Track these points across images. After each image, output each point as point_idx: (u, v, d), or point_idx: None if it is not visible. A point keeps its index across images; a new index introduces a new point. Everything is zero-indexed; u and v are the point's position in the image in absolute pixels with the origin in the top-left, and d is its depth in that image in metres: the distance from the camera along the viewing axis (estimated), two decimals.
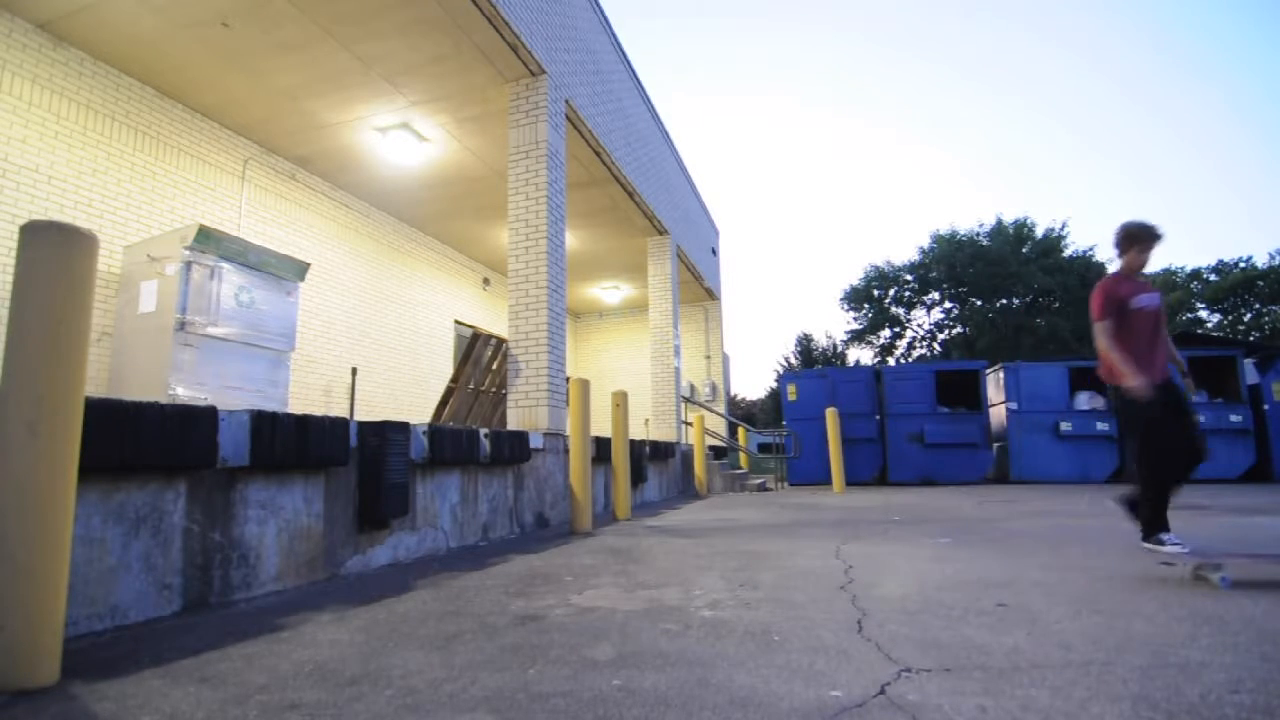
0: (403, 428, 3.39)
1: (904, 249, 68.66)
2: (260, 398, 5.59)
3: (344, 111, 6.52)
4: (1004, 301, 29.56)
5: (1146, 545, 2.95)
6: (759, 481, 10.41)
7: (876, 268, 33.22)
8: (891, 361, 31.94)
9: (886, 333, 33.21)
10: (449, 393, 7.02)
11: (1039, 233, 29.64)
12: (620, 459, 5.53)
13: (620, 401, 5.62)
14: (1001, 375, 10.00)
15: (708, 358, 13.72)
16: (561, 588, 2.71)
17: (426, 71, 5.91)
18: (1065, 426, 9.44)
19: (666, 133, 10.76)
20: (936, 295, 31.68)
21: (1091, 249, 28.89)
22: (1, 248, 4.91)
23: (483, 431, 4.16)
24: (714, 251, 13.99)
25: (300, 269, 6.21)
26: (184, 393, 5.05)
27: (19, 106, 5.08)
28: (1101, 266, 28.58)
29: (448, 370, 9.63)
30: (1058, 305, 28.24)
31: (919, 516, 5.27)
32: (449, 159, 7.53)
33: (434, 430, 3.70)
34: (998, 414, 10.08)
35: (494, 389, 7.24)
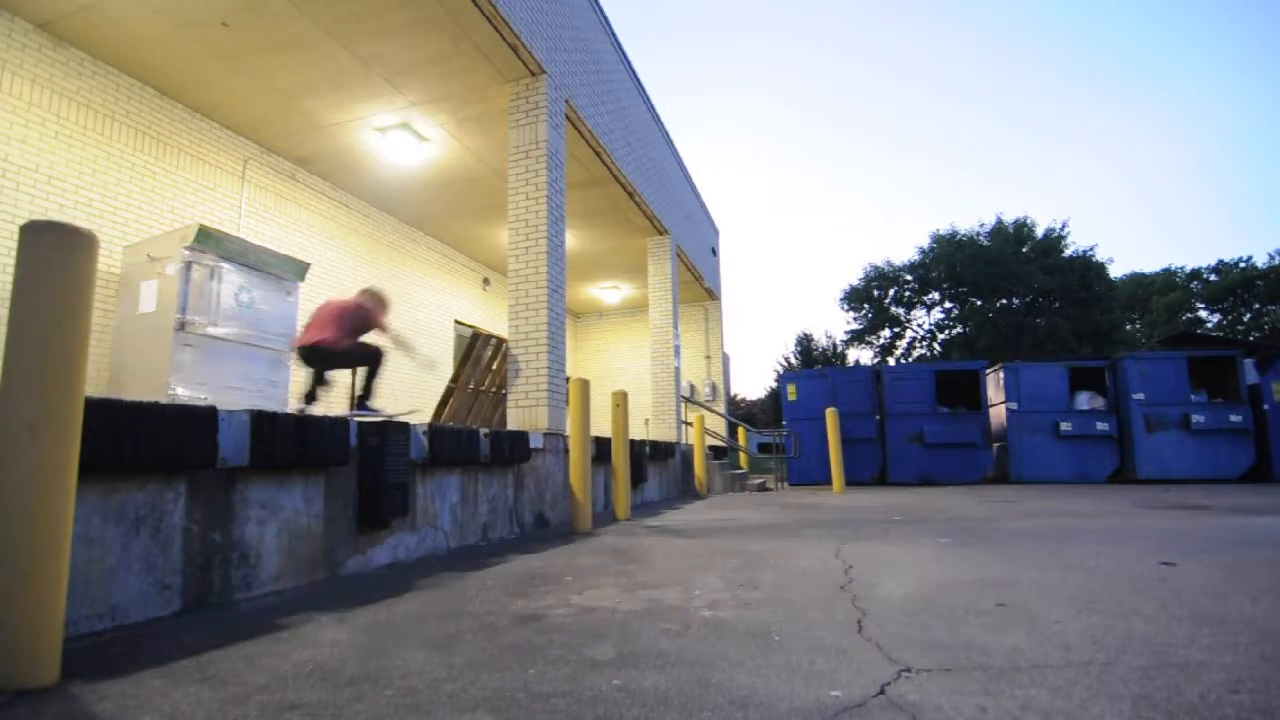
0: (403, 428, 3.39)
1: (904, 249, 68.64)
2: (260, 398, 5.60)
3: (344, 111, 6.52)
4: (1004, 301, 29.53)
5: None
6: (759, 481, 10.41)
7: (876, 268, 33.17)
8: (891, 361, 31.91)
9: (886, 333, 33.16)
10: (449, 393, 7.02)
11: (1039, 233, 29.58)
12: (620, 459, 5.53)
13: (620, 401, 5.62)
14: (1001, 375, 10.00)
15: (708, 358, 13.71)
16: (562, 588, 2.71)
17: (426, 71, 5.91)
18: (1065, 426, 9.44)
19: (666, 133, 10.75)
20: (936, 295, 31.65)
21: (1092, 249, 28.86)
22: (1, 248, 4.91)
23: (483, 431, 4.16)
24: (714, 251, 13.98)
25: (300, 269, 6.21)
26: (184, 393, 5.05)
27: (19, 106, 5.08)
28: (1101, 266, 28.56)
29: (448, 370, 9.62)
30: (1058, 305, 28.19)
31: (919, 516, 5.26)
32: (449, 159, 7.54)
33: (434, 430, 3.70)
34: (998, 414, 10.08)
35: (494, 389, 7.23)
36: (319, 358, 4.99)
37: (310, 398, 5.21)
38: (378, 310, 5.31)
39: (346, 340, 4.99)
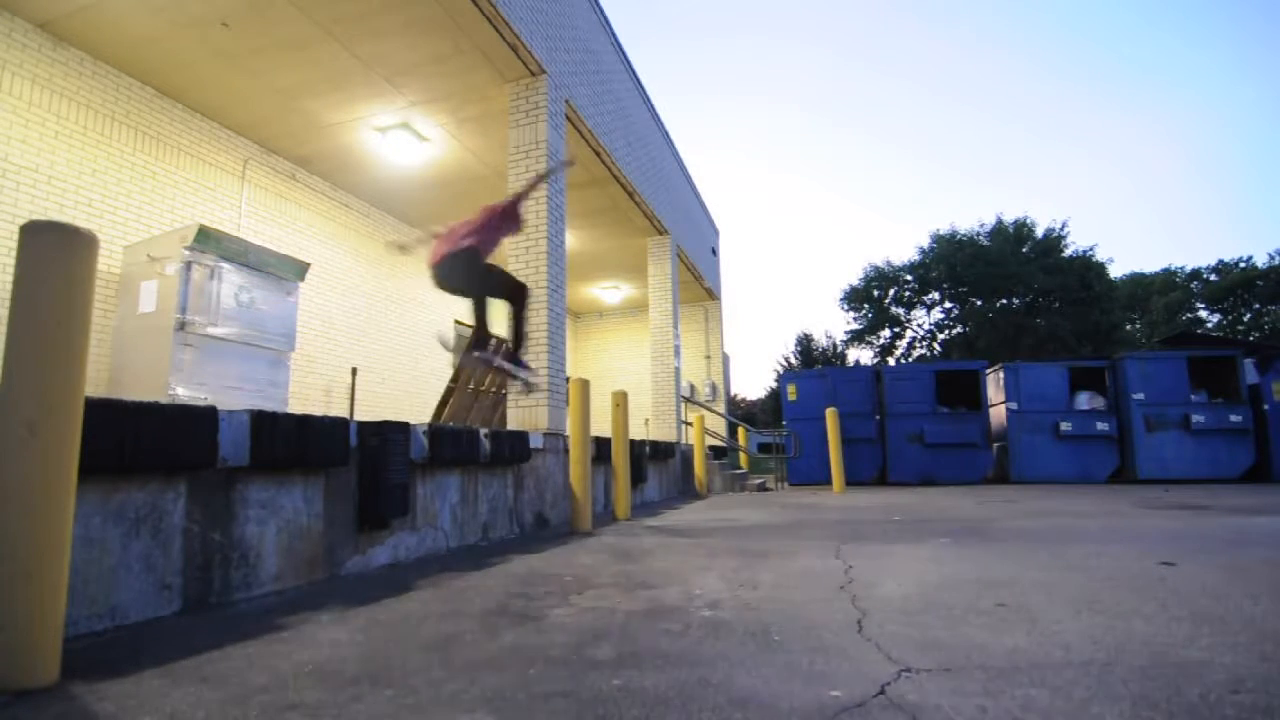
0: (403, 428, 3.39)
1: (904, 249, 68.66)
2: (260, 398, 5.60)
3: (344, 111, 6.52)
4: (1004, 301, 29.52)
5: None
6: (759, 481, 10.41)
7: (876, 268, 33.17)
8: (891, 361, 31.90)
9: (886, 333, 33.17)
10: (449, 393, 7.02)
11: (1039, 232, 29.59)
12: (620, 459, 5.53)
13: (620, 401, 5.62)
14: (1001, 375, 10.00)
15: (708, 358, 13.72)
16: (562, 588, 2.71)
17: (426, 71, 5.91)
18: (1065, 426, 9.44)
19: (666, 133, 10.75)
20: (936, 295, 31.64)
21: (1092, 249, 28.86)
22: (1, 248, 4.91)
23: (483, 431, 4.16)
24: (714, 251, 13.98)
25: (300, 269, 6.21)
26: (184, 393, 5.05)
27: (19, 106, 5.09)
28: (1101, 266, 28.55)
29: (448, 370, 9.62)
30: (1058, 305, 28.18)
31: (919, 517, 5.26)
32: (449, 159, 7.54)
33: (434, 430, 3.70)
34: (998, 414, 10.08)
35: (494, 389, 7.23)
36: (457, 270, 4.24)
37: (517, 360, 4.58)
38: (507, 202, 4.61)
39: (479, 239, 4.31)
